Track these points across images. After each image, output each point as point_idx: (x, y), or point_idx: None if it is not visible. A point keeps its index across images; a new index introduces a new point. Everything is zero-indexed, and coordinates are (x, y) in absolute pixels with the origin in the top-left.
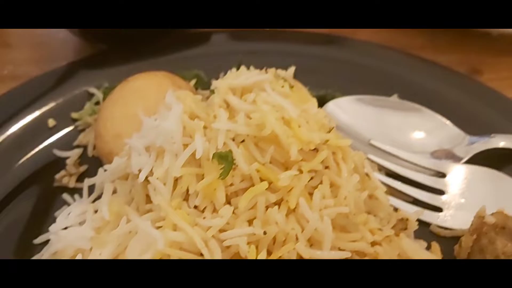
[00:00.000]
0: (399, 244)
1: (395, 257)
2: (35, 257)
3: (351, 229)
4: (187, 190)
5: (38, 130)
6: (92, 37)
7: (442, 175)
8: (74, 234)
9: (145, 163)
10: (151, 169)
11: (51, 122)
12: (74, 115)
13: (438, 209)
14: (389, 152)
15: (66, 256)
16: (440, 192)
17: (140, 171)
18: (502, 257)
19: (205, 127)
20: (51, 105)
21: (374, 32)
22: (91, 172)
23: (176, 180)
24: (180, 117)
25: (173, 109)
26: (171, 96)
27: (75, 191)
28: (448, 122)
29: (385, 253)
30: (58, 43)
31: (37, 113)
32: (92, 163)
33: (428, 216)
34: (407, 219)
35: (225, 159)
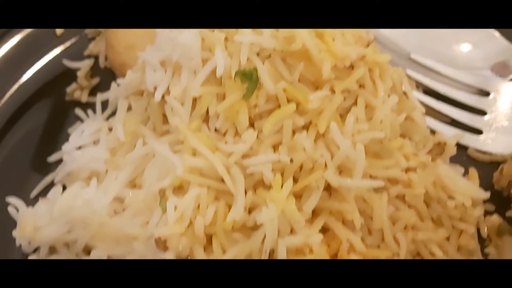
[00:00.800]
0: (435, 170)
1: (429, 185)
2: (49, 177)
3: (384, 155)
4: (207, 111)
5: (45, 39)
6: None
7: (486, 93)
8: (89, 155)
9: (160, 80)
10: (168, 87)
11: (58, 30)
12: None
13: (478, 132)
14: (430, 68)
15: (81, 177)
16: (482, 113)
17: (155, 89)
18: None
19: (226, 39)
20: None
21: None
22: (104, 86)
23: (195, 100)
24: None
25: None
26: None
27: (88, 106)
28: (497, 33)
29: (420, 180)
30: None
31: None
32: (105, 75)
33: (467, 138)
34: (444, 143)
35: (249, 78)
